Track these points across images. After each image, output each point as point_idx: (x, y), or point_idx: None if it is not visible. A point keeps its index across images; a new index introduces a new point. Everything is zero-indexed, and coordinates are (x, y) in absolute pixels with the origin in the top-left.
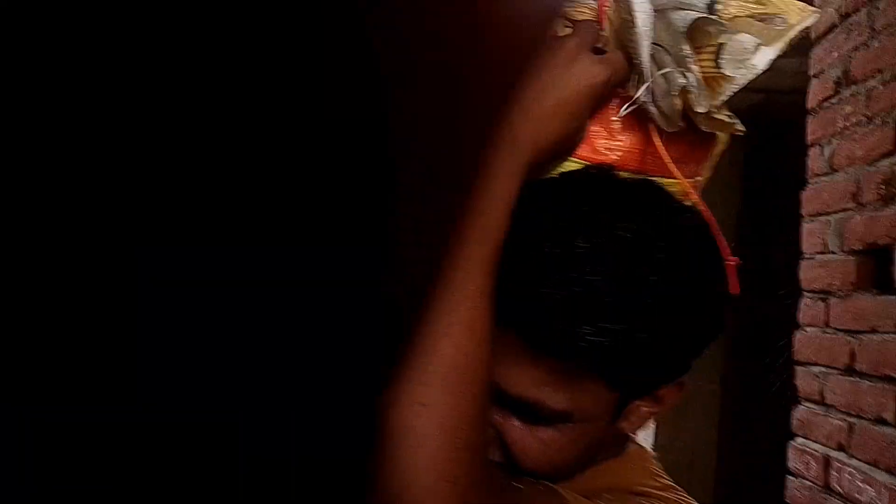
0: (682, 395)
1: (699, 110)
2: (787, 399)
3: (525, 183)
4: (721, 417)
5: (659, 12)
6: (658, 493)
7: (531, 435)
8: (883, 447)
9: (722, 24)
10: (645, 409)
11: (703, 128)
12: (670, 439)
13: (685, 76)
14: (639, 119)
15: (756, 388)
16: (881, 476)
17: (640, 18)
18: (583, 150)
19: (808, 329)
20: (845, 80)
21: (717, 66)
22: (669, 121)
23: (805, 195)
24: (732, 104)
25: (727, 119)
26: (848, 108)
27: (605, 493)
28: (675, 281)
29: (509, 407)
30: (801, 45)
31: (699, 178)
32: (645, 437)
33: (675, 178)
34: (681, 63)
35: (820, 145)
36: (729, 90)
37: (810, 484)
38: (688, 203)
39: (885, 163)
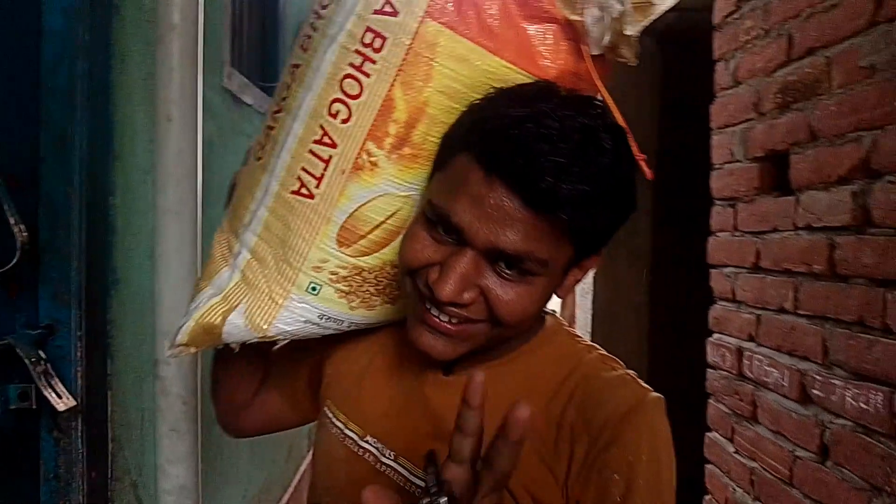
0: (596, 265)
1: (629, 33)
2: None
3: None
4: (650, 327)
5: None
6: (605, 354)
7: (509, 288)
8: (784, 333)
9: None
10: (573, 277)
11: (625, 51)
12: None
13: (621, 3)
14: (570, 41)
15: (681, 295)
16: (784, 359)
17: None
18: (528, 67)
19: (719, 234)
20: None
21: None
22: (599, 44)
23: (713, 108)
24: (649, 26)
25: (637, 44)
26: (748, 23)
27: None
28: (616, 160)
29: (494, 262)
30: None
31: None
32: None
33: (600, 92)
34: None
35: (725, 60)
36: (652, 17)
37: (726, 373)
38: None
39: (781, 73)
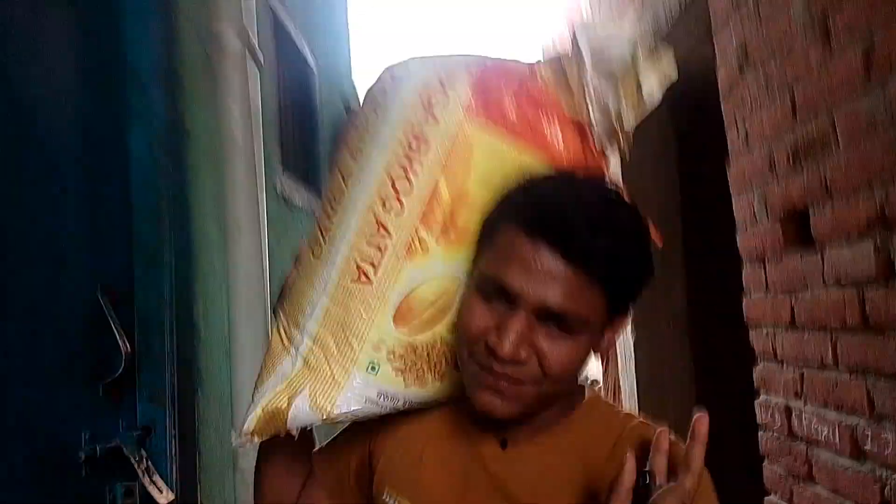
0: (625, 325)
1: (627, 128)
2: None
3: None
4: (697, 390)
5: (598, 59)
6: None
7: (557, 345)
8: (829, 388)
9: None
10: (609, 333)
11: (622, 144)
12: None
13: (619, 106)
14: (578, 138)
15: (725, 355)
16: (831, 415)
17: (588, 66)
18: (549, 160)
19: (753, 294)
20: (746, 63)
21: (639, 97)
22: (602, 140)
23: (731, 172)
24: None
25: (630, 138)
26: (753, 89)
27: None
28: (637, 224)
29: (543, 322)
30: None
31: None
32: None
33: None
34: (615, 95)
35: (735, 126)
36: (644, 114)
37: (777, 434)
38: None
39: (789, 135)
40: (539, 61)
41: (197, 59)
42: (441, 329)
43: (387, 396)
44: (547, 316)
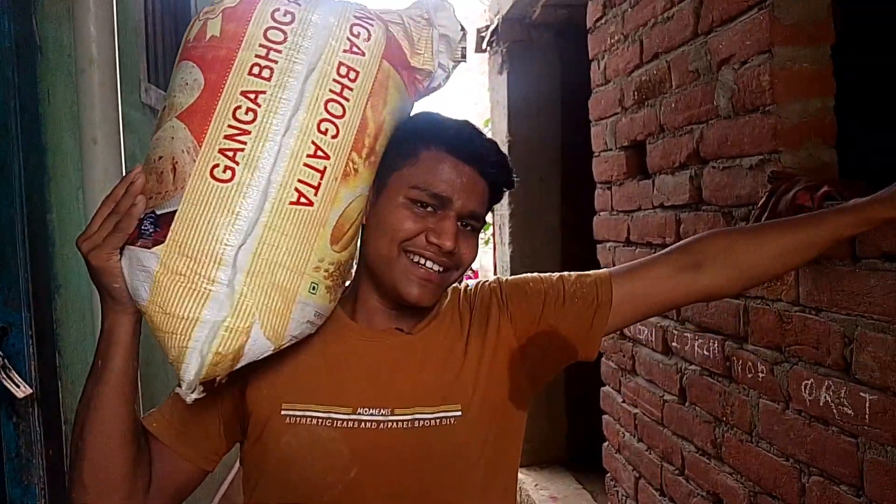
0: None
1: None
2: None
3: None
4: None
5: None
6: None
7: (469, 240)
8: None
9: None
10: None
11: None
12: None
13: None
14: (417, 81)
15: (587, 267)
16: (652, 318)
17: (436, 28)
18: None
19: (601, 214)
20: (609, 3)
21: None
22: (434, 84)
23: (591, 102)
24: (546, 21)
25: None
26: (612, 28)
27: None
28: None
29: (462, 222)
30: None
31: None
32: None
33: None
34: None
35: (597, 60)
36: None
37: (612, 335)
38: None
39: (636, 74)
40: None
41: None
42: (353, 246)
43: (319, 315)
44: (466, 217)
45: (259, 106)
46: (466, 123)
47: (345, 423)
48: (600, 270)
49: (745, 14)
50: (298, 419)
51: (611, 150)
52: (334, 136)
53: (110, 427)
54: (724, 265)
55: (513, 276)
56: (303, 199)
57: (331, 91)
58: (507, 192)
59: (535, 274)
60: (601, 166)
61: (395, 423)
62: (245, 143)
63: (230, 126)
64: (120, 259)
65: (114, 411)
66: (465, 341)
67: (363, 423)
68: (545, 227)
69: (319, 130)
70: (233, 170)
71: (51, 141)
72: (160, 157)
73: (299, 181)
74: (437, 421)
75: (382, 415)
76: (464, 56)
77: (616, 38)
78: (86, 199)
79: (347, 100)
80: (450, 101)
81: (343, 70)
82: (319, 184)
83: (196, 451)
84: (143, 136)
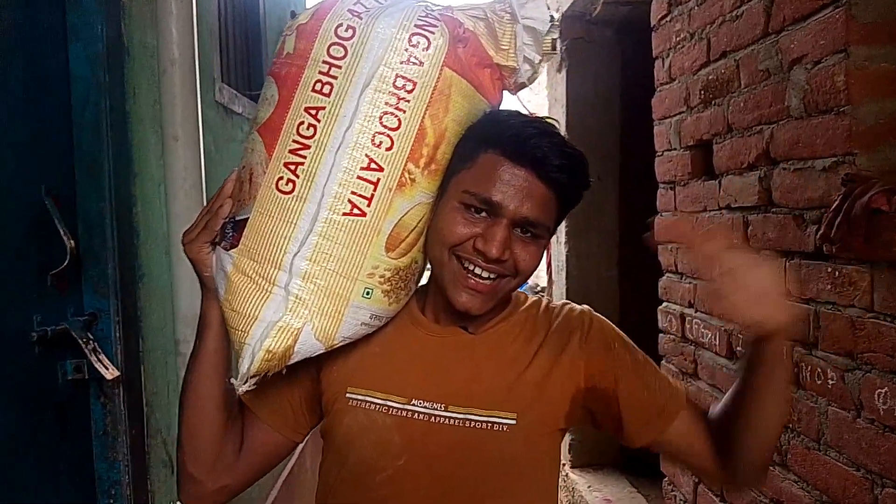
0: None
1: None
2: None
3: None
4: (621, 295)
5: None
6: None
7: (528, 248)
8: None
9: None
10: (550, 238)
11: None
12: None
13: (538, 55)
14: (499, 80)
15: (646, 269)
16: (715, 321)
17: (520, 22)
18: (490, 99)
19: (663, 214)
20: (675, 1)
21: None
22: (519, 80)
23: (654, 101)
24: (606, 18)
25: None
26: (678, 26)
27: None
28: (582, 158)
29: (518, 229)
30: None
31: None
32: None
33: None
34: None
35: (662, 58)
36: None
37: (673, 336)
38: None
39: (703, 72)
40: (458, 12)
41: None
42: (415, 251)
43: (377, 317)
44: (522, 224)
45: (318, 122)
46: (531, 122)
47: (399, 411)
48: (679, 383)
49: (819, 13)
50: (359, 403)
51: (675, 149)
52: (388, 149)
53: (204, 397)
54: (750, 476)
55: (600, 319)
56: (356, 210)
57: (386, 104)
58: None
59: (621, 333)
60: (664, 166)
61: (446, 420)
62: (305, 158)
63: (294, 141)
64: (211, 253)
65: (207, 384)
66: (533, 353)
67: (416, 414)
68: (602, 228)
69: (373, 143)
70: (294, 182)
71: (136, 138)
72: (243, 167)
73: (352, 193)
74: (490, 425)
75: (435, 409)
76: (554, 48)
77: (682, 35)
78: (167, 194)
79: (403, 111)
80: (506, 97)
81: (400, 82)
82: (373, 195)
83: (283, 423)
84: (217, 134)
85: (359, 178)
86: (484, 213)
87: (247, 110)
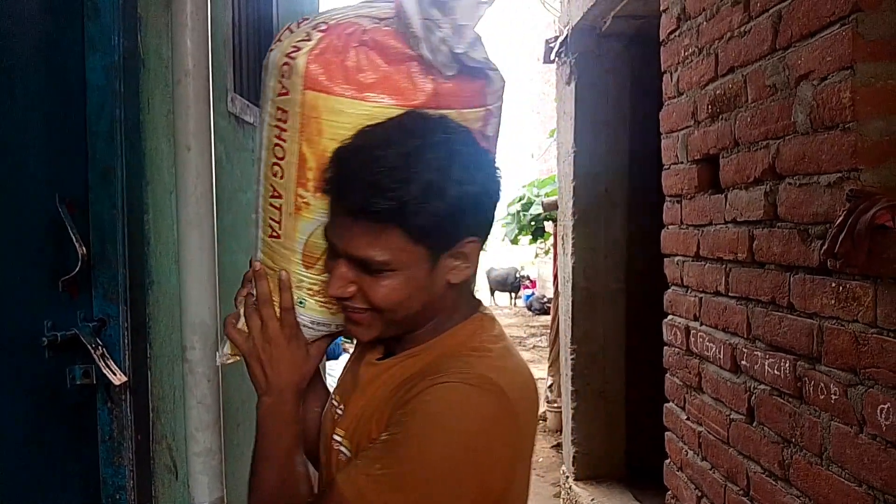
0: (478, 250)
1: (458, 51)
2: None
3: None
4: (627, 308)
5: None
6: (489, 345)
7: (376, 284)
8: (719, 312)
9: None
10: (455, 262)
11: (469, 63)
12: (585, 332)
13: (441, 30)
14: (429, 72)
15: (654, 281)
16: (719, 335)
17: (409, 6)
18: (399, 100)
19: (669, 227)
20: (684, 16)
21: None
22: (445, 66)
23: (662, 115)
24: (616, 31)
25: (483, 58)
26: (686, 41)
27: (447, 354)
28: (427, 175)
29: (360, 269)
30: None
31: (483, 107)
32: (564, 331)
33: (454, 108)
34: (434, 26)
35: (670, 72)
36: (470, 37)
37: (678, 349)
38: (461, 125)
39: (710, 87)
40: (363, 16)
41: None
42: None
43: (318, 323)
44: (356, 263)
45: (257, 155)
46: (340, 150)
47: (335, 409)
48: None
49: (826, 29)
50: (329, 405)
51: (682, 163)
52: (281, 177)
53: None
54: None
55: (431, 394)
56: (273, 233)
57: (275, 136)
58: (570, 203)
59: (424, 421)
60: (671, 179)
61: (335, 442)
62: (257, 187)
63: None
64: None
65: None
66: (394, 394)
67: (335, 414)
68: (609, 239)
69: (272, 174)
70: (255, 210)
71: (149, 147)
72: None
73: (270, 218)
74: (340, 453)
75: (339, 436)
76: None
77: (690, 50)
78: (178, 202)
79: (285, 141)
80: (513, 110)
81: (278, 113)
82: (280, 219)
83: None
84: (228, 143)
85: (270, 205)
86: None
87: (258, 120)
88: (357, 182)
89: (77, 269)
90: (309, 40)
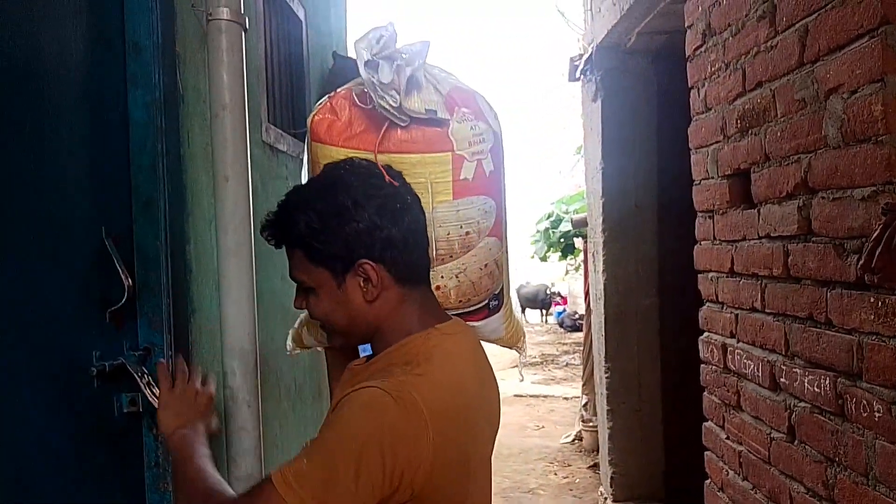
0: (377, 273)
1: (393, 105)
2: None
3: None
4: (660, 324)
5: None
6: (420, 360)
7: (310, 301)
8: (756, 329)
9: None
10: (360, 281)
11: (412, 115)
12: (618, 349)
13: (381, 88)
14: (392, 123)
15: (686, 297)
16: (757, 352)
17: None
18: (370, 147)
19: (702, 243)
20: (709, 32)
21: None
22: (396, 118)
23: (691, 130)
24: (641, 48)
25: (425, 109)
26: (712, 56)
27: (386, 365)
28: (314, 217)
29: (301, 289)
30: None
31: (450, 152)
32: (598, 348)
33: (415, 153)
34: (376, 85)
35: (697, 88)
36: (409, 90)
37: (715, 367)
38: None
39: (739, 102)
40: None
41: (191, 31)
42: None
43: (317, 340)
44: (298, 284)
45: None
46: (293, 193)
47: None
48: (294, 476)
49: (854, 42)
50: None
51: (712, 178)
52: None
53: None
54: None
55: (353, 399)
56: None
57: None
58: (600, 220)
59: (345, 415)
60: (702, 195)
61: None
62: None
63: None
64: None
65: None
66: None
67: None
68: (641, 255)
69: None
70: None
71: (189, 179)
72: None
73: None
74: None
75: None
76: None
77: (717, 66)
78: (218, 231)
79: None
80: (540, 127)
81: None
82: None
83: None
84: (263, 172)
85: None
86: None
87: (290, 148)
88: (270, 219)
89: (123, 299)
90: (320, 104)
